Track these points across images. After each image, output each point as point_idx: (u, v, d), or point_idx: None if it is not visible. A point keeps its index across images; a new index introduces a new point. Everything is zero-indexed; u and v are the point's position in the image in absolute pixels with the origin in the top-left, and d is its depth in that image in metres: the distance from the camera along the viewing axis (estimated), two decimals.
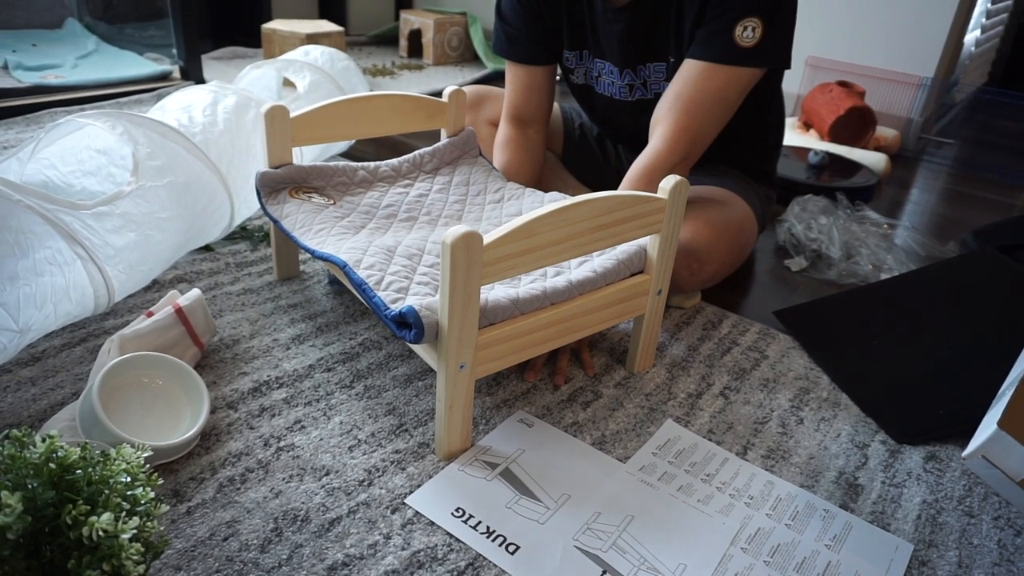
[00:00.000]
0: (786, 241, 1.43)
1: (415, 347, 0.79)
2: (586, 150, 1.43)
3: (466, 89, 1.35)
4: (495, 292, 0.78)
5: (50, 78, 1.93)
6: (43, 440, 0.49)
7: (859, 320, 1.11)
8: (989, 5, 2.49)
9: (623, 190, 1.04)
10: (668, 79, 1.12)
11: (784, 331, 1.13)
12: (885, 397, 0.95)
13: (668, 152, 1.04)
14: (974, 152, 2.34)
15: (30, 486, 0.46)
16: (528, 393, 0.92)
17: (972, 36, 2.44)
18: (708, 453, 0.85)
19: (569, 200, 0.74)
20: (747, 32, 0.99)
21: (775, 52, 1.02)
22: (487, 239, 0.68)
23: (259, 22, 2.55)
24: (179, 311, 0.85)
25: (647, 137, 1.10)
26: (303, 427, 0.83)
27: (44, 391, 0.84)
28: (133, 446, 0.55)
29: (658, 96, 1.12)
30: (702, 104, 1.03)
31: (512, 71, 1.23)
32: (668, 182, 0.85)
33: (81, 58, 2.13)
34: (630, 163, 1.16)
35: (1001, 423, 0.63)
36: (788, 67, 1.07)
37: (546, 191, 1.16)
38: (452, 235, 0.65)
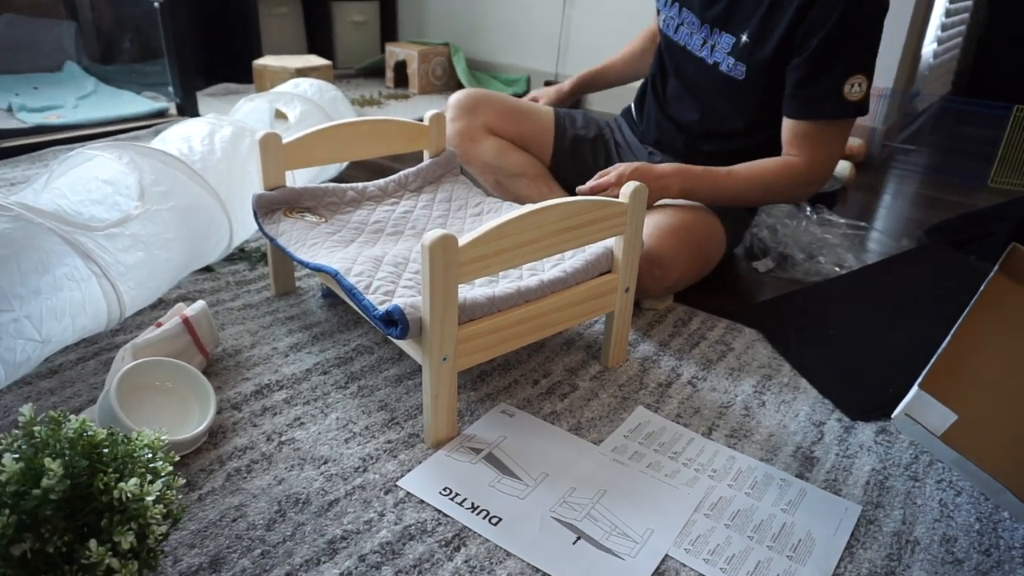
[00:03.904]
0: (754, 244, 1.51)
1: (402, 344, 0.86)
2: (577, 159, 1.46)
3: (462, 93, 1.43)
4: (473, 291, 0.86)
5: (52, 118, 2.02)
6: (76, 420, 0.56)
7: (818, 312, 1.20)
8: (944, 19, 2.61)
9: (756, 169, 1.18)
10: (731, 53, 1.20)
11: (750, 326, 1.21)
12: (841, 379, 1.03)
13: (808, 169, 1.17)
14: (938, 158, 2.45)
15: (67, 456, 0.53)
16: (510, 387, 1.00)
17: (929, 48, 2.57)
18: (676, 434, 0.92)
19: (537, 205, 0.83)
20: (855, 88, 1.11)
21: (869, 101, 1.15)
22: (462, 241, 0.76)
23: (250, 59, 2.66)
24: (186, 321, 0.93)
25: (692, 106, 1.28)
26: (302, 423, 0.90)
27: (63, 399, 0.91)
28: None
29: (716, 66, 1.23)
30: (831, 136, 1.16)
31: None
32: (628, 188, 0.94)
33: (81, 98, 2.23)
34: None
35: (922, 384, 0.70)
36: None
37: (535, 200, 1.24)
38: (430, 238, 0.73)
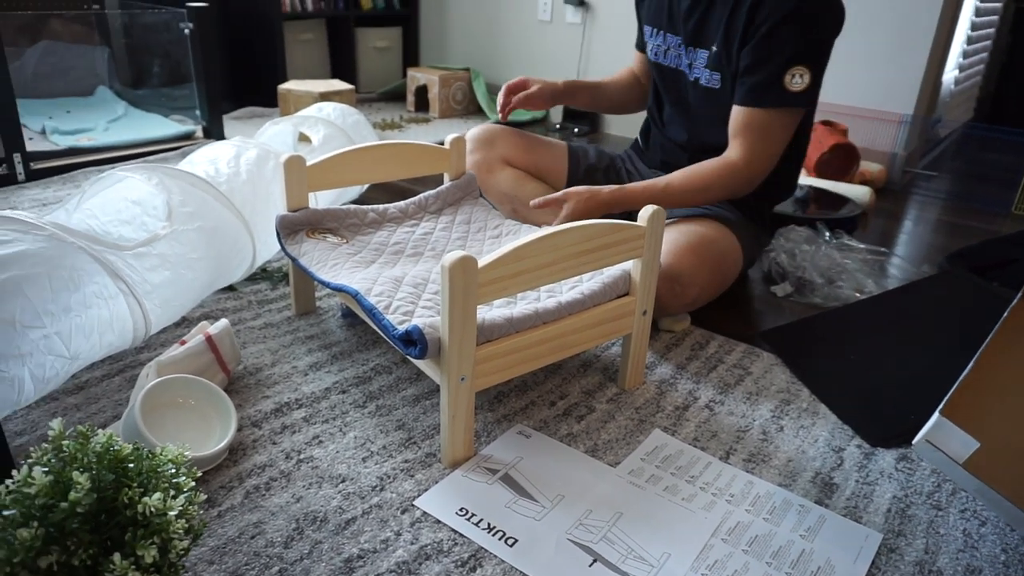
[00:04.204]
0: (772, 269, 1.51)
1: (420, 364, 0.87)
2: (592, 182, 1.51)
3: (479, 127, 1.47)
4: (492, 312, 0.87)
5: (83, 141, 2.08)
6: (103, 435, 0.58)
7: (838, 337, 1.19)
8: (966, 45, 2.61)
9: (694, 171, 1.21)
10: (708, 67, 1.26)
11: (768, 350, 1.20)
12: (861, 405, 1.02)
13: (744, 164, 1.19)
14: (960, 184, 2.43)
15: (94, 470, 0.55)
16: (527, 408, 1.00)
17: (951, 75, 2.56)
18: (693, 458, 0.92)
19: (556, 228, 0.84)
20: (796, 79, 1.14)
21: (816, 95, 1.19)
22: (481, 262, 0.77)
23: (275, 83, 2.72)
24: (209, 339, 0.94)
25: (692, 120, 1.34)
26: (321, 442, 0.91)
27: (88, 415, 0.93)
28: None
29: (697, 81, 1.29)
30: (770, 131, 1.19)
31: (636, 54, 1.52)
32: (646, 211, 0.94)
33: (112, 122, 2.29)
34: None
35: (943, 411, 0.70)
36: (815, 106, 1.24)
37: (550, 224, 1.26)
38: (450, 259, 0.74)
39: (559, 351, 0.92)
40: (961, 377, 0.77)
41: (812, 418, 1.02)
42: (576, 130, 2.82)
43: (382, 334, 0.91)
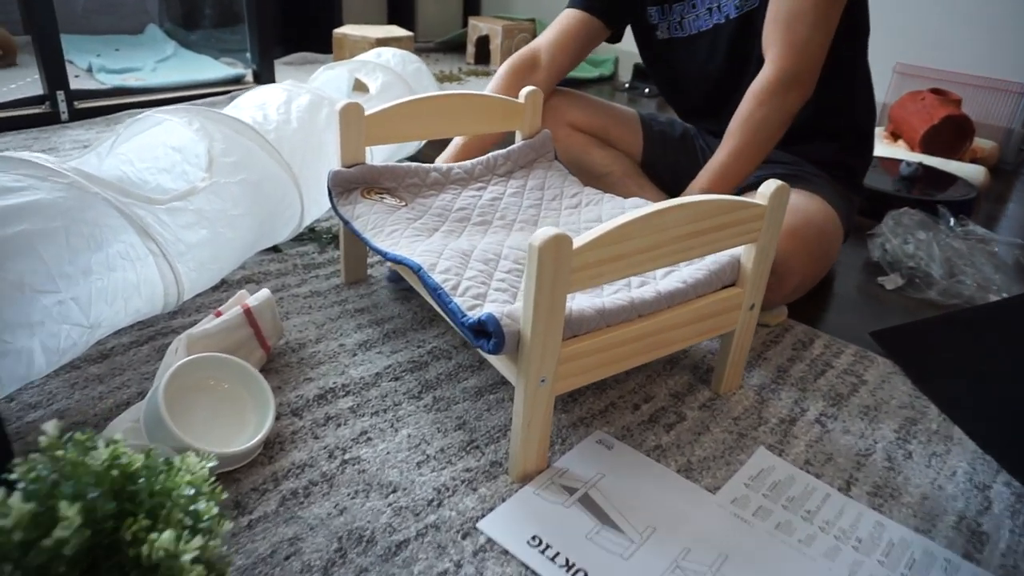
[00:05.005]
0: (880, 257, 1.32)
1: (491, 358, 0.73)
2: (667, 154, 1.37)
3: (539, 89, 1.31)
4: (578, 301, 0.72)
5: (131, 80, 1.98)
6: (107, 445, 0.46)
7: (969, 345, 1.01)
8: None
9: (737, 115, 1.06)
10: None
11: (882, 354, 1.04)
12: (1007, 433, 0.85)
13: (777, 70, 1.03)
14: None
15: (90, 496, 0.43)
16: (606, 411, 0.86)
17: None
18: (807, 487, 0.77)
19: (663, 204, 0.68)
20: None
21: None
22: (577, 243, 0.62)
23: (330, 28, 2.57)
24: (248, 312, 0.82)
25: (736, 83, 1.14)
26: (369, 439, 0.78)
27: (111, 389, 0.82)
28: (197, 454, 0.52)
29: (729, 19, 1.15)
30: (799, 16, 1.02)
31: (563, 16, 1.28)
32: (768, 187, 0.78)
33: (160, 62, 2.19)
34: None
35: None
36: None
37: (625, 196, 1.10)
38: (541, 237, 0.60)
39: (654, 349, 0.77)
40: None
41: (945, 444, 0.86)
42: (647, 90, 2.61)
43: (447, 319, 0.77)
